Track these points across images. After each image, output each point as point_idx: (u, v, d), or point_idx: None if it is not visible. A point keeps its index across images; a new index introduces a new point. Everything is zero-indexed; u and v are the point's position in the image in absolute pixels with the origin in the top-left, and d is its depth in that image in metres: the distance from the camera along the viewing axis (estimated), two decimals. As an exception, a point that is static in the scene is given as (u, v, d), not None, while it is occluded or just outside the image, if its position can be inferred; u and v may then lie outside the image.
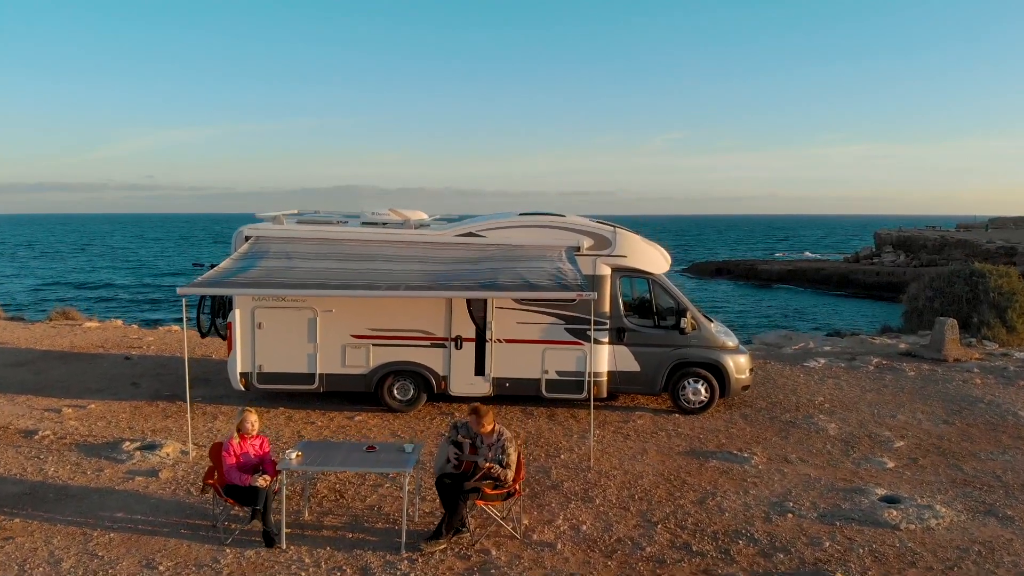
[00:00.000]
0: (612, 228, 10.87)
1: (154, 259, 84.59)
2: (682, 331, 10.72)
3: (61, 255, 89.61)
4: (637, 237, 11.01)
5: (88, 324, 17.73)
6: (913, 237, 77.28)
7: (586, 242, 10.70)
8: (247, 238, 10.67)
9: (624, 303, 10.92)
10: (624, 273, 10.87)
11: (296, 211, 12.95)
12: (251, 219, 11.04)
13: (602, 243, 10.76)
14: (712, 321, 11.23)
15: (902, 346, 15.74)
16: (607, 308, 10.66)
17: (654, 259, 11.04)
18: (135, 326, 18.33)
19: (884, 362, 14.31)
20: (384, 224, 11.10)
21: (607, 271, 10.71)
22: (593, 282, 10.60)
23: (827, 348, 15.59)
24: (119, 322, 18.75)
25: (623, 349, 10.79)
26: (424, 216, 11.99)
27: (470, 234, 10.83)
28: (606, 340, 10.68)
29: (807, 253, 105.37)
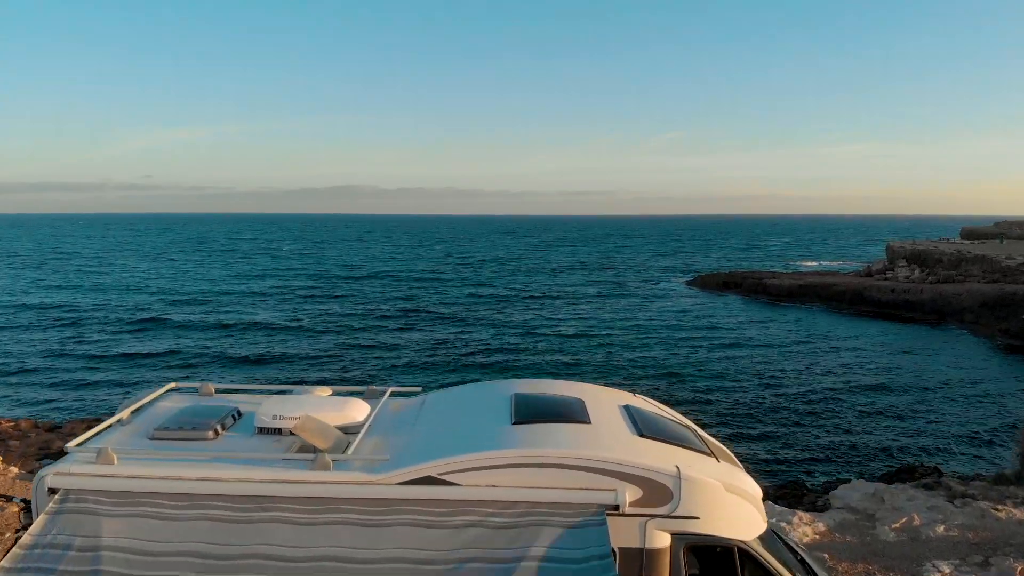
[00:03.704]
0: (674, 469, 6.29)
1: (108, 299, 63.37)
2: (797, 653, 6.24)
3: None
4: (717, 483, 6.35)
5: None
6: (928, 251, 73.31)
7: (629, 493, 6.12)
8: (51, 492, 6.11)
9: (695, 593, 6.41)
10: (695, 542, 6.37)
11: (164, 389, 8.11)
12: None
13: (657, 495, 6.19)
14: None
15: (1046, 526, 11.32)
16: (666, 605, 6.20)
17: (744, 516, 6.48)
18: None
19: (1040, 575, 9.86)
20: (284, 455, 6.51)
21: (666, 541, 6.18)
22: (642, 560, 6.16)
23: (940, 527, 11.13)
24: (29, 422, 14.32)
25: (693, 674, 6.32)
26: (359, 416, 7.20)
27: (429, 479, 6.25)
28: (664, 660, 6.21)
29: (842, 262, 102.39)
